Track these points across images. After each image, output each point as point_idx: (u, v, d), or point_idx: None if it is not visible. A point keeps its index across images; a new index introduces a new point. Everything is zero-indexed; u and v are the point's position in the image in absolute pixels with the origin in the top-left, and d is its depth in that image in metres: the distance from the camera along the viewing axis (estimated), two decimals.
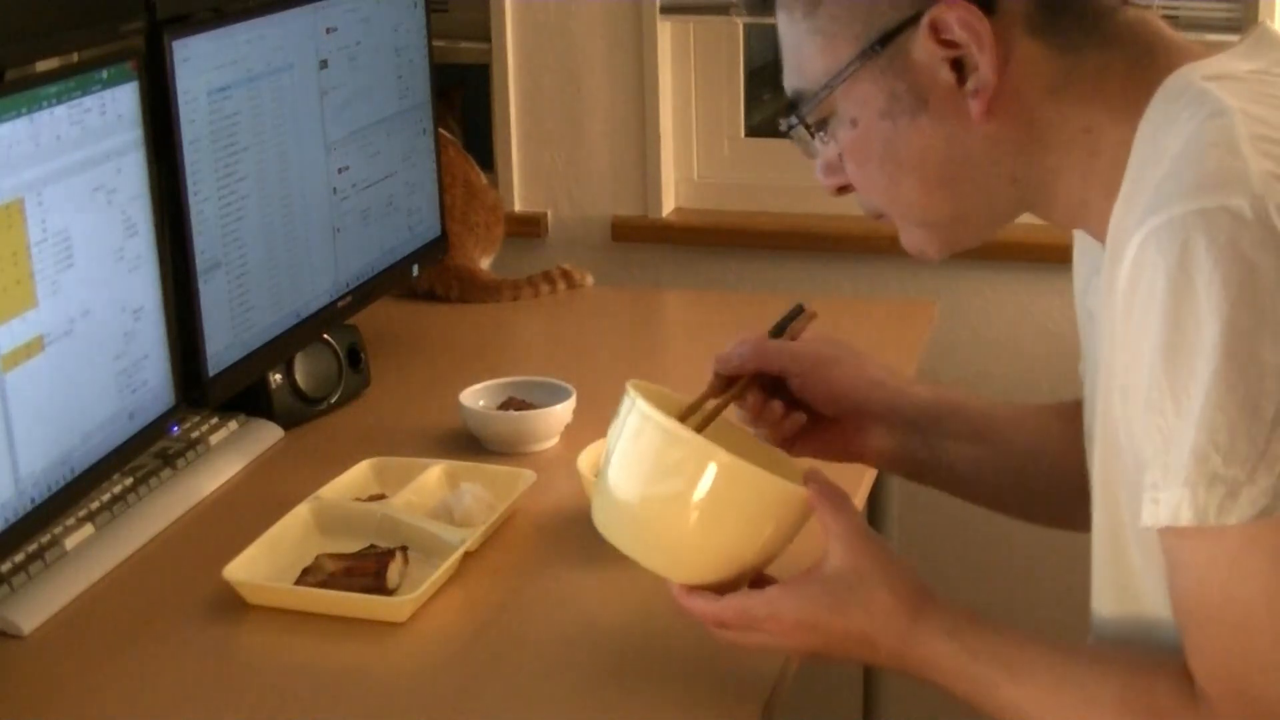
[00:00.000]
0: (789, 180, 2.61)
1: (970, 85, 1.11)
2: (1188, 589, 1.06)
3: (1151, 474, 1.04)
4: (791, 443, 1.45)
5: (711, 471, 1.23)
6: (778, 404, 1.43)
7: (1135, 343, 1.04)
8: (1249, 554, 1.01)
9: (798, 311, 1.50)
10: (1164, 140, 1.08)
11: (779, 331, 1.48)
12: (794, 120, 1.20)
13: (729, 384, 1.42)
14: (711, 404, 1.41)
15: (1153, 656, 1.12)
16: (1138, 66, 1.12)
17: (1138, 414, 1.05)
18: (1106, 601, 1.21)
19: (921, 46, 1.11)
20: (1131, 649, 1.17)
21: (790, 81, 1.20)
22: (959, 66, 1.11)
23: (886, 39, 1.12)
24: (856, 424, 1.46)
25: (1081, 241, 1.32)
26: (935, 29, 1.11)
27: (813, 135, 1.20)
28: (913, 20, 1.11)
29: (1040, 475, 1.46)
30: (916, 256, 1.24)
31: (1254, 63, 1.12)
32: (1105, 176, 1.12)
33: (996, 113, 1.12)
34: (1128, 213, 1.08)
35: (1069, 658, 1.15)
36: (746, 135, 2.65)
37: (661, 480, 1.25)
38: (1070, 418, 1.38)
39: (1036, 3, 1.12)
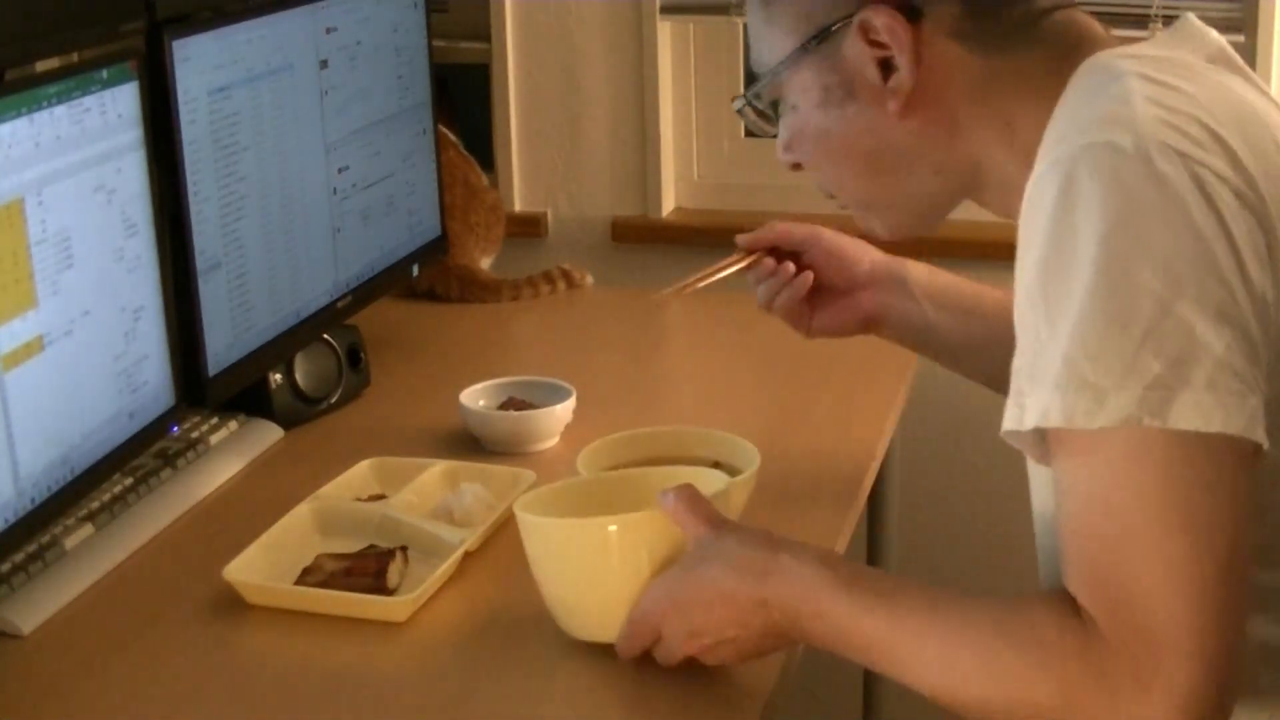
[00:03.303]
0: (789, 180, 2.56)
1: (891, 84, 1.21)
2: (1066, 505, 1.07)
3: (1018, 381, 1.08)
4: (808, 317, 1.64)
5: (568, 538, 1.34)
6: (789, 265, 1.63)
7: (1021, 266, 1.10)
8: (1127, 464, 1.03)
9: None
10: (1068, 108, 1.15)
11: None
12: (744, 99, 1.33)
13: (748, 256, 1.65)
14: (729, 263, 1.66)
15: (1032, 589, 1.14)
16: (1061, 61, 1.19)
17: (1029, 334, 1.08)
18: (1036, 501, 1.27)
19: (852, 45, 1.22)
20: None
21: (751, 64, 1.32)
22: (886, 66, 1.22)
23: (823, 35, 1.23)
24: (865, 294, 1.63)
25: None
26: (865, 30, 1.21)
27: (764, 115, 1.32)
28: (846, 20, 1.22)
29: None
30: (868, 235, 1.37)
31: (1170, 51, 1.19)
32: (1025, 160, 1.17)
33: (916, 110, 1.22)
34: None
35: (945, 590, 1.16)
36: (746, 135, 2.64)
37: (558, 566, 1.35)
38: None
39: (962, 10, 1.20)
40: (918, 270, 1.63)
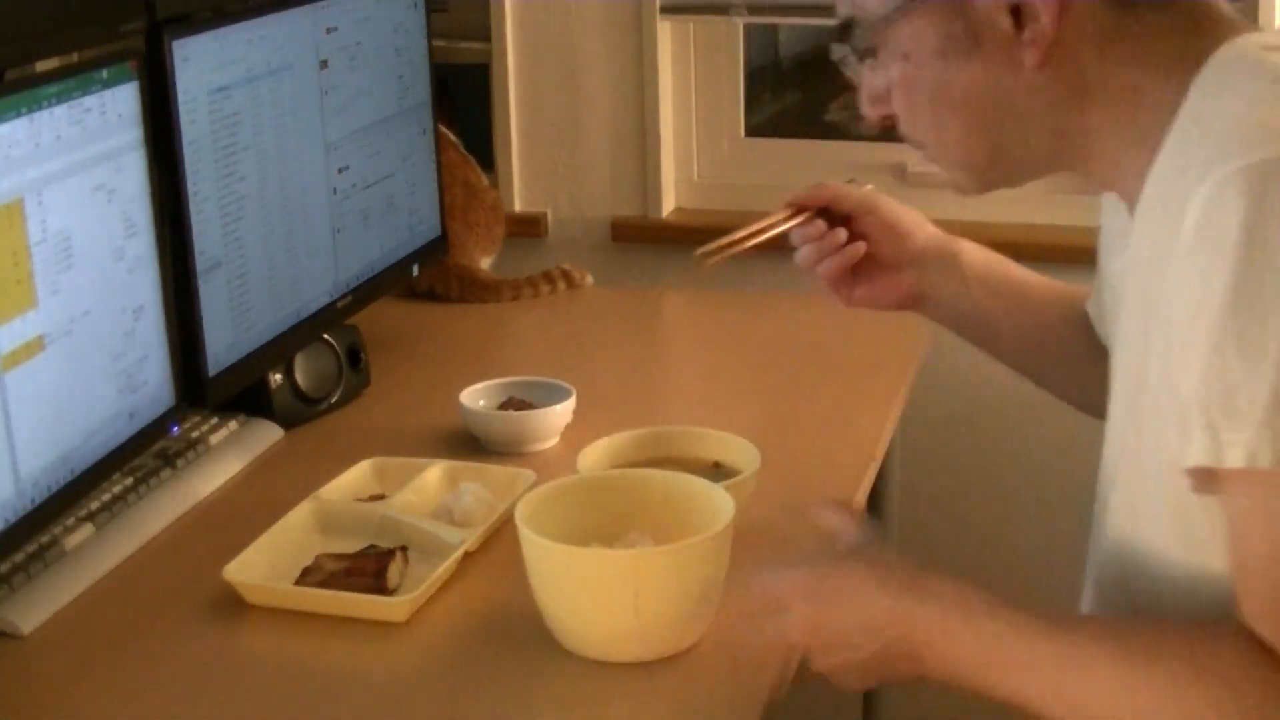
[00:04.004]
0: (789, 180, 2.58)
1: (1027, 34, 1.12)
2: (1252, 543, 1.03)
3: (1210, 415, 1.01)
4: (850, 286, 1.55)
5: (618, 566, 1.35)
6: (841, 231, 1.53)
7: (1198, 288, 1.02)
8: None
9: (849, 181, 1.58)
10: (1219, 103, 1.08)
11: None
12: (846, 49, 1.22)
13: (797, 215, 1.54)
14: (776, 221, 1.54)
15: (1200, 621, 1.09)
16: (1192, 32, 1.12)
17: (1194, 360, 1.02)
18: (1116, 528, 1.19)
19: None
20: (1156, 617, 1.12)
21: (843, 9, 1.21)
22: (1017, 14, 1.12)
23: None
24: (912, 271, 1.54)
25: (1110, 206, 1.33)
26: None
27: (861, 62, 1.21)
28: None
29: (1056, 350, 1.53)
30: (953, 189, 1.27)
31: None
32: (1145, 137, 1.12)
33: (1047, 63, 1.13)
34: (1178, 171, 1.07)
35: (1124, 618, 1.11)
36: (746, 135, 2.65)
37: (550, 583, 1.37)
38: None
39: None
40: (971, 252, 1.54)
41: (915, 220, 1.55)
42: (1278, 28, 2.27)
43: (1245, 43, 1.11)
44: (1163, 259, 1.06)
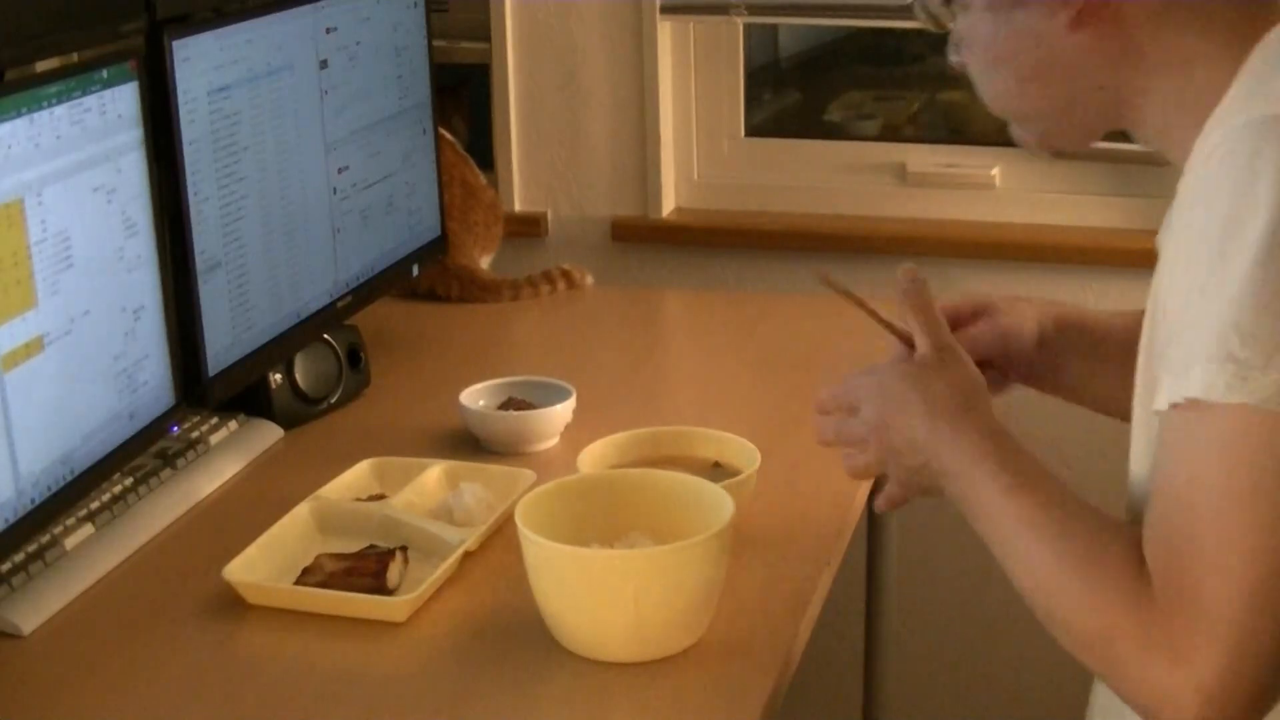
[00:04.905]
0: (789, 180, 2.61)
1: None
2: (1167, 465, 1.07)
3: (1177, 351, 1.06)
4: None
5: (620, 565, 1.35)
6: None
7: (1192, 231, 1.07)
8: (1240, 443, 1.03)
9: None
10: (1261, 78, 1.11)
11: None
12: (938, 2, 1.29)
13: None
14: (893, 324, 1.42)
15: (1122, 522, 1.15)
16: (1247, 9, 1.16)
17: (1181, 299, 1.06)
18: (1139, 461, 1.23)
19: None
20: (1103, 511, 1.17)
21: None
22: None
23: None
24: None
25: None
26: None
27: (935, 18, 1.29)
28: None
29: None
30: (1023, 148, 1.32)
31: None
32: (1195, 107, 1.15)
33: (1090, 24, 1.17)
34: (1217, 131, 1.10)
35: (1065, 496, 1.16)
36: (746, 135, 2.65)
37: (549, 582, 1.37)
38: None
39: None
40: (1045, 326, 1.50)
41: (1024, 322, 1.50)
42: None
43: None
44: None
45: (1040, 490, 1.17)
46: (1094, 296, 2.38)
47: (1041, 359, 1.50)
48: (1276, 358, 1.01)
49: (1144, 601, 1.05)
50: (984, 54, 1.25)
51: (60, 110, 1.46)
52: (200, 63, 1.69)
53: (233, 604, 1.47)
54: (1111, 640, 1.06)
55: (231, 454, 1.78)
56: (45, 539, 1.53)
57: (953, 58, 1.30)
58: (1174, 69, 1.17)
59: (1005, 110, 1.28)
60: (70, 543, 1.55)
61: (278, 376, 1.88)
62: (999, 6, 1.21)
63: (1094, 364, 1.50)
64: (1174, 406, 1.06)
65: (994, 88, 1.26)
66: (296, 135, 1.87)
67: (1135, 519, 1.17)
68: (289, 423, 1.88)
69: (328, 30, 1.92)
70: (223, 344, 1.77)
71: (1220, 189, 1.05)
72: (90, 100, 1.51)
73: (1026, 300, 1.53)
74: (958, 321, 1.49)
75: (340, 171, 1.97)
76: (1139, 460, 1.21)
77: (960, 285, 2.51)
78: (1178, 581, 1.04)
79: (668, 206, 2.65)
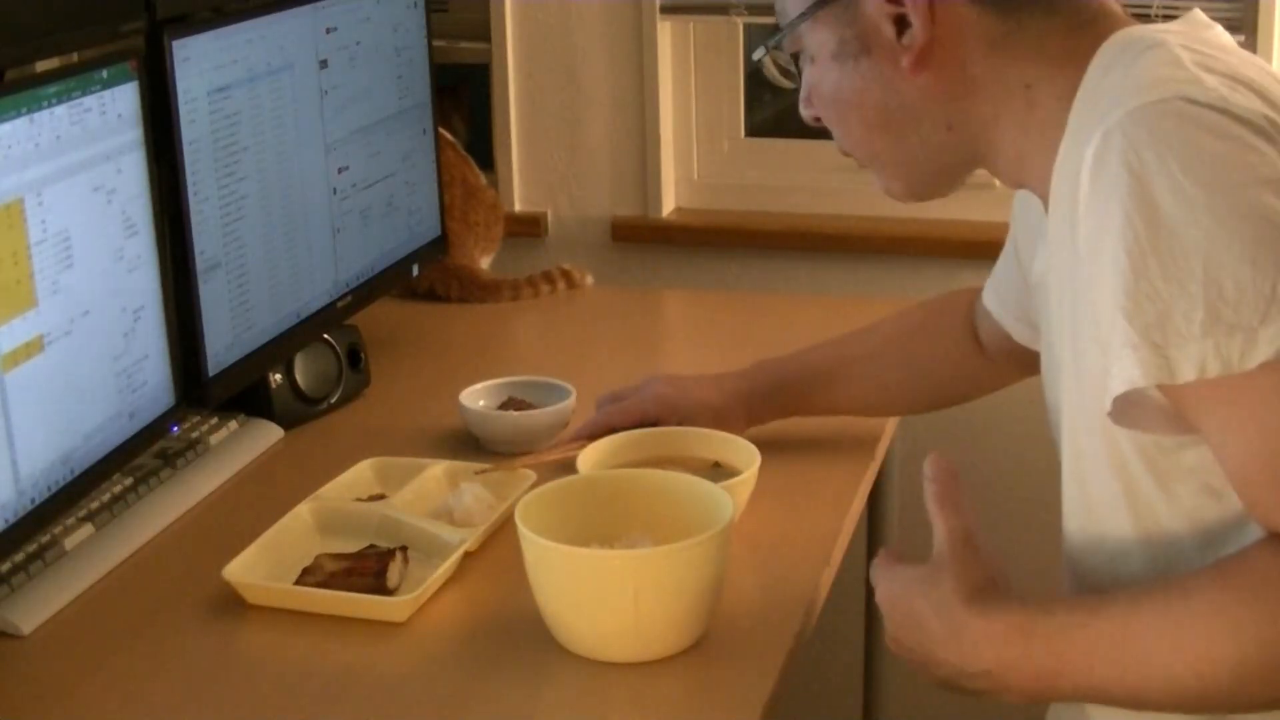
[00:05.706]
0: (789, 180, 2.60)
1: (905, 41, 1.22)
2: (1240, 451, 1.07)
3: (1152, 336, 1.06)
4: None
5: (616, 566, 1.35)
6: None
7: (1102, 234, 1.08)
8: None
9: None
10: (1107, 79, 1.15)
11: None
12: (766, 49, 1.34)
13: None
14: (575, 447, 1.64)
15: (1226, 554, 1.12)
16: (1080, 30, 1.20)
17: (1117, 298, 1.07)
18: (1073, 519, 1.27)
19: (870, 1, 1.23)
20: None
21: (777, 16, 1.33)
22: (902, 22, 1.22)
23: None
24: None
25: (1022, 206, 1.43)
26: None
27: (786, 70, 1.34)
28: None
29: (928, 363, 1.73)
30: (888, 195, 1.34)
31: (1197, 32, 1.20)
32: (1044, 129, 1.20)
33: (929, 67, 1.22)
34: (1076, 152, 1.13)
35: (1145, 585, 1.14)
36: (746, 135, 2.65)
37: (549, 583, 1.37)
38: (938, 308, 1.75)
39: None
40: (766, 381, 1.74)
41: (698, 398, 1.71)
42: (1276, 37, 2.27)
43: (1129, 32, 1.19)
44: (1071, 238, 1.13)
45: (1110, 598, 1.14)
46: None
47: (764, 412, 1.72)
48: (1270, 309, 1.04)
49: None
50: (833, 104, 1.29)
51: (60, 110, 1.46)
52: (200, 63, 1.69)
53: (233, 604, 1.47)
54: None
55: (231, 454, 1.78)
56: (45, 539, 1.53)
57: (804, 111, 1.33)
58: (1015, 95, 1.22)
59: (863, 159, 1.32)
60: (70, 543, 1.55)
61: (278, 376, 1.88)
62: (843, 56, 1.25)
63: (822, 396, 1.71)
64: (1196, 394, 1.06)
65: (849, 137, 1.30)
66: (296, 135, 1.87)
67: (1075, 504, 1.24)
68: (289, 423, 1.88)
69: (328, 30, 1.92)
70: (223, 344, 1.77)
71: (1116, 185, 1.07)
72: (90, 100, 1.51)
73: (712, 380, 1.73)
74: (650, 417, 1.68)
75: (340, 171, 1.97)
76: (1073, 461, 1.24)
77: (960, 285, 2.52)
78: None
79: (668, 206, 2.65)
